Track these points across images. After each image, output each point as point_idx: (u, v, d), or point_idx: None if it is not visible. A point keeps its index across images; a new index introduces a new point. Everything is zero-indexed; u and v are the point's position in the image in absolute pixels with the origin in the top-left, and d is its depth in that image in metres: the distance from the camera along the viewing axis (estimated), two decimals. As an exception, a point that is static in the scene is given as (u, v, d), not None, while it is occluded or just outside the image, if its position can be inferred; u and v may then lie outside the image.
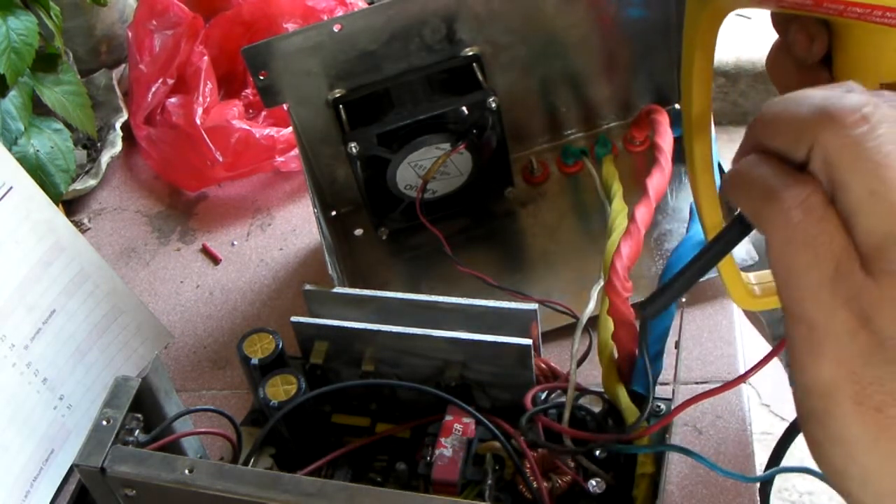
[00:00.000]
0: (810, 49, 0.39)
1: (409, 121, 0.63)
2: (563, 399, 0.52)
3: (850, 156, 0.28)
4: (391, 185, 0.66)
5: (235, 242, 0.78)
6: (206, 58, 0.82)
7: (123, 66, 0.92)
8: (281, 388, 0.52)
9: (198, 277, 0.76)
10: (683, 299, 0.56)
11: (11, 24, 0.73)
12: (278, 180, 0.83)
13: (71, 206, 0.82)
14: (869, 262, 0.28)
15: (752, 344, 0.64)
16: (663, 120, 0.66)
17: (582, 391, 0.53)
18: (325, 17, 0.84)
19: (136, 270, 0.77)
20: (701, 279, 0.39)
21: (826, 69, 0.41)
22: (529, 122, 0.72)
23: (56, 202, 0.72)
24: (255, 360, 0.54)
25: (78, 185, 0.81)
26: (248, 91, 0.85)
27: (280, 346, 0.55)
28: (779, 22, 0.41)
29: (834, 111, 0.28)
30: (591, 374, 0.55)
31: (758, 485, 0.55)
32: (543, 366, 0.55)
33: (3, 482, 0.58)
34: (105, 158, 0.83)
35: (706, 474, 0.57)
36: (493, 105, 0.63)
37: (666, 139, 0.63)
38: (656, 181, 0.59)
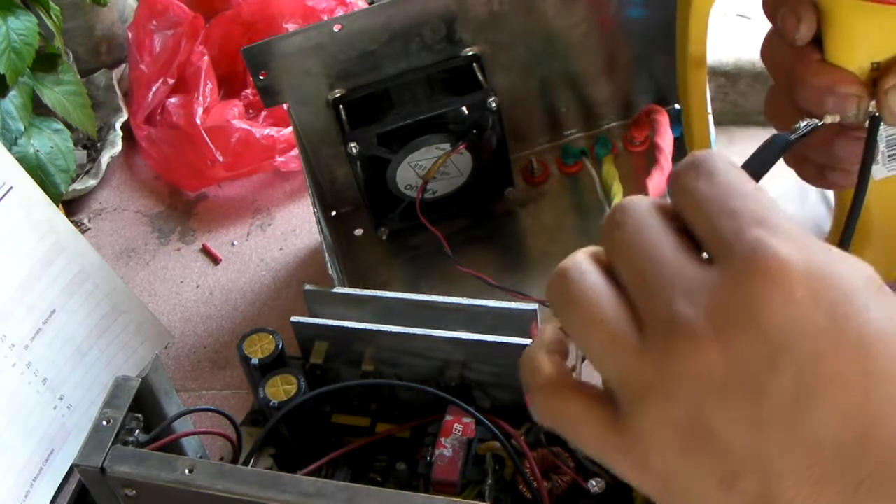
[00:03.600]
0: (799, 30, 0.40)
1: (409, 121, 0.63)
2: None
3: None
4: (391, 185, 0.66)
5: (235, 242, 0.78)
6: (206, 58, 0.82)
7: (123, 66, 0.92)
8: (281, 388, 0.52)
9: (198, 277, 0.76)
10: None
11: (11, 24, 0.73)
12: (278, 180, 0.82)
13: (71, 206, 0.82)
14: None
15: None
16: (663, 120, 0.66)
17: (582, 391, 0.53)
18: (325, 17, 0.84)
19: (136, 270, 0.77)
20: None
21: (817, 50, 0.41)
22: (529, 122, 0.72)
23: (56, 202, 0.72)
24: (255, 360, 0.54)
25: (78, 185, 0.81)
26: (248, 91, 0.84)
27: (280, 346, 0.55)
28: (768, 6, 0.42)
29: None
30: (591, 375, 0.55)
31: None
32: (543, 366, 0.55)
33: (3, 482, 0.58)
34: (105, 158, 0.83)
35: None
36: (493, 105, 0.63)
37: (666, 139, 0.63)
38: (656, 181, 0.59)
